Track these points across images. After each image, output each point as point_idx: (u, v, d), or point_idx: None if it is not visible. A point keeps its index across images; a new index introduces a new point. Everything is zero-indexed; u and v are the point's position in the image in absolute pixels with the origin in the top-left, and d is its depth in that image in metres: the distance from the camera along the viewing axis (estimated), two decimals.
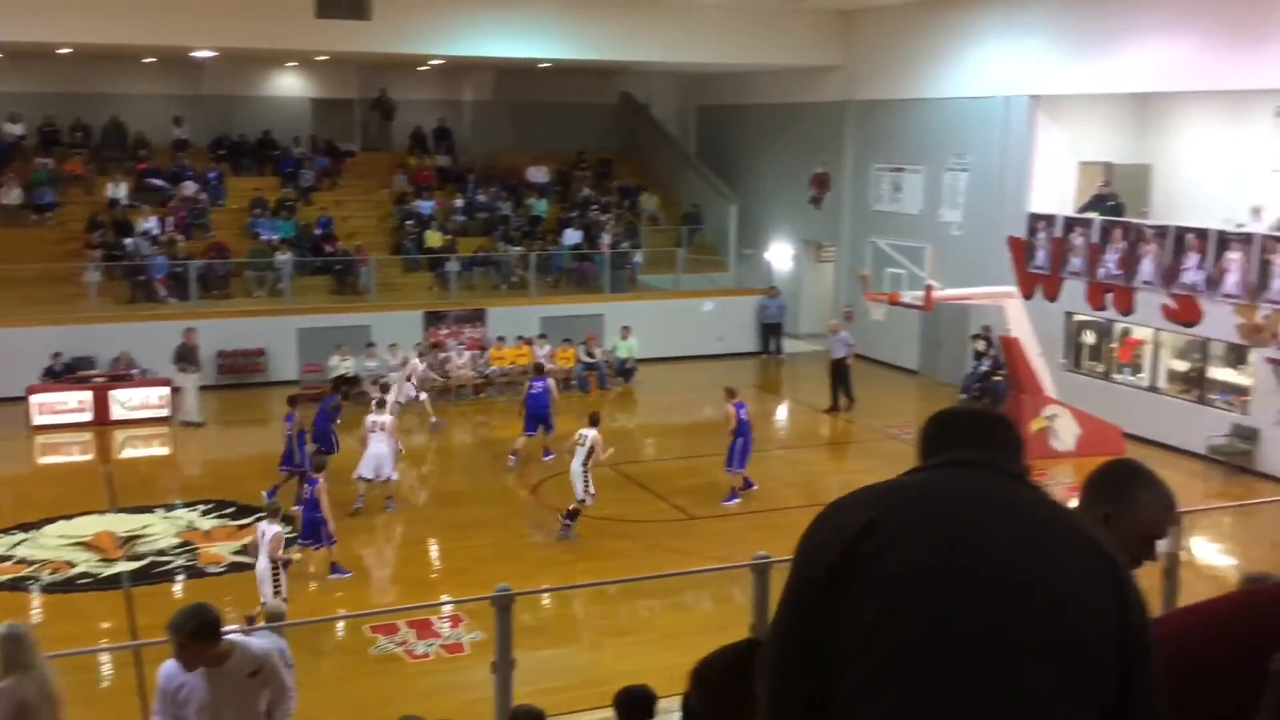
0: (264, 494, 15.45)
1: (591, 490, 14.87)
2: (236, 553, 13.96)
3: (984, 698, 1.93)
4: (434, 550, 15.00)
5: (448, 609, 12.34)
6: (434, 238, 26.18)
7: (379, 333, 22.77)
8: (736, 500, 16.28)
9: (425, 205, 27.08)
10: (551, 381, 19.01)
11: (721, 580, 12.32)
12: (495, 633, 6.21)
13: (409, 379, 20.19)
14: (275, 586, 11.59)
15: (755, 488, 16.46)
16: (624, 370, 23.98)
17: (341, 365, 22.16)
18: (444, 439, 20.31)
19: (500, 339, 23.53)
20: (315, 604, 12.45)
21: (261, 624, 9.15)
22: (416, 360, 20.98)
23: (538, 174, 29.18)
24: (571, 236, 27.05)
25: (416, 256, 25.91)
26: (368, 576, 13.94)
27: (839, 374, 21.41)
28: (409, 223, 26.52)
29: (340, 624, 12.34)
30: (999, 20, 21.38)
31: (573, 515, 14.79)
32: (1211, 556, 13.96)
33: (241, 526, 15.04)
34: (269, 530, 11.78)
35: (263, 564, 11.70)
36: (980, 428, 2.29)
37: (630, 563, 13.89)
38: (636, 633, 11.89)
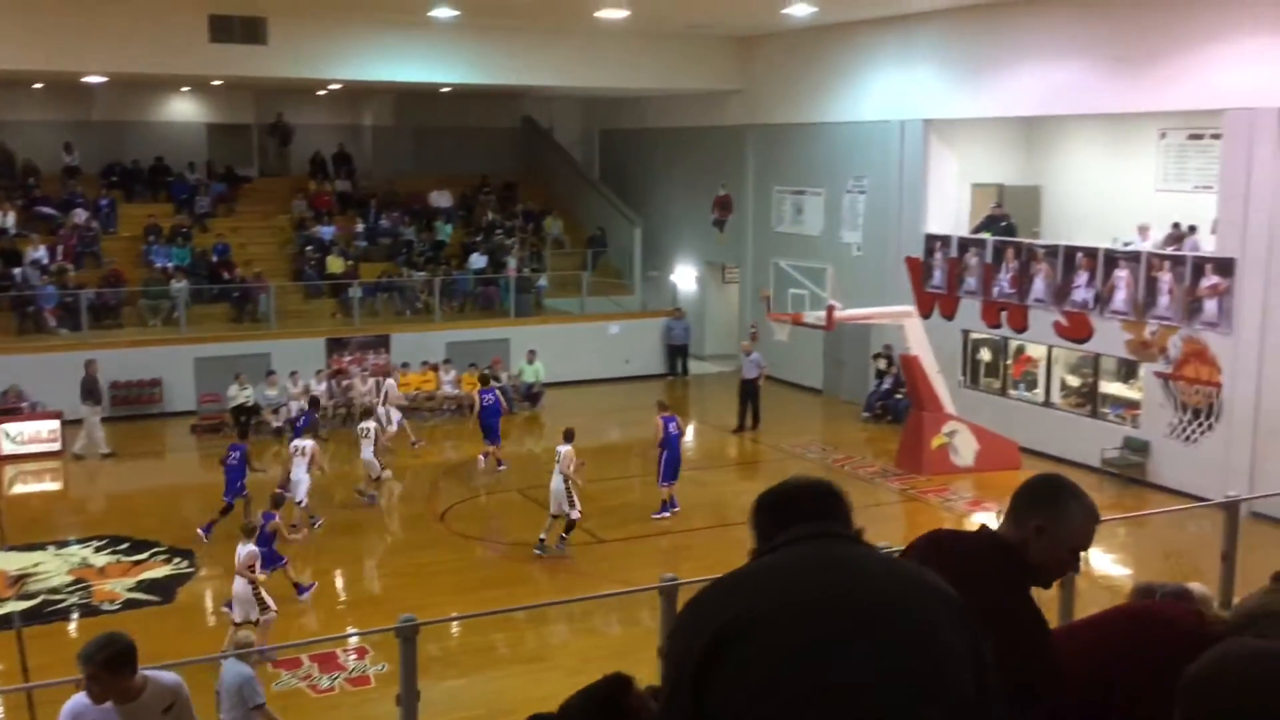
0: (199, 531, 15.49)
1: (577, 505, 14.94)
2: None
3: None
4: (339, 581, 14.75)
5: (353, 641, 12.13)
6: (335, 263, 25.85)
7: (279, 361, 22.38)
8: (667, 515, 16.38)
9: (326, 231, 26.74)
10: (499, 392, 19.60)
11: (629, 603, 12.31)
12: (400, 664, 6.12)
13: (383, 403, 20.18)
14: (261, 603, 11.75)
15: (678, 509, 16.53)
16: (530, 395, 23.90)
17: (241, 394, 21.72)
18: (349, 466, 20.00)
19: (404, 365, 23.29)
20: (214, 639, 12.15)
21: (230, 650, 9.19)
22: (391, 381, 21.15)
23: (441, 198, 29.02)
24: (476, 261, 26.92)
25: (318, 283, 25.55)
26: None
27: (749, 394, 21.60)
28: (309, 248, 26.16)
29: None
30: (893, 47, 21.85)
31: (569, 528, 14.97)
32: (1107, 567, 14.33)
33: (137, 562, 14.64)
34: (241, 550, 11.91)
35: (239, 586, 11.79)
36: (811, 501, 2.39)
37: (538, 588, 13.81)
38: (545, 659, 11.81)
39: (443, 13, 20.31)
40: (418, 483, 18.64)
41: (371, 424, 17.69)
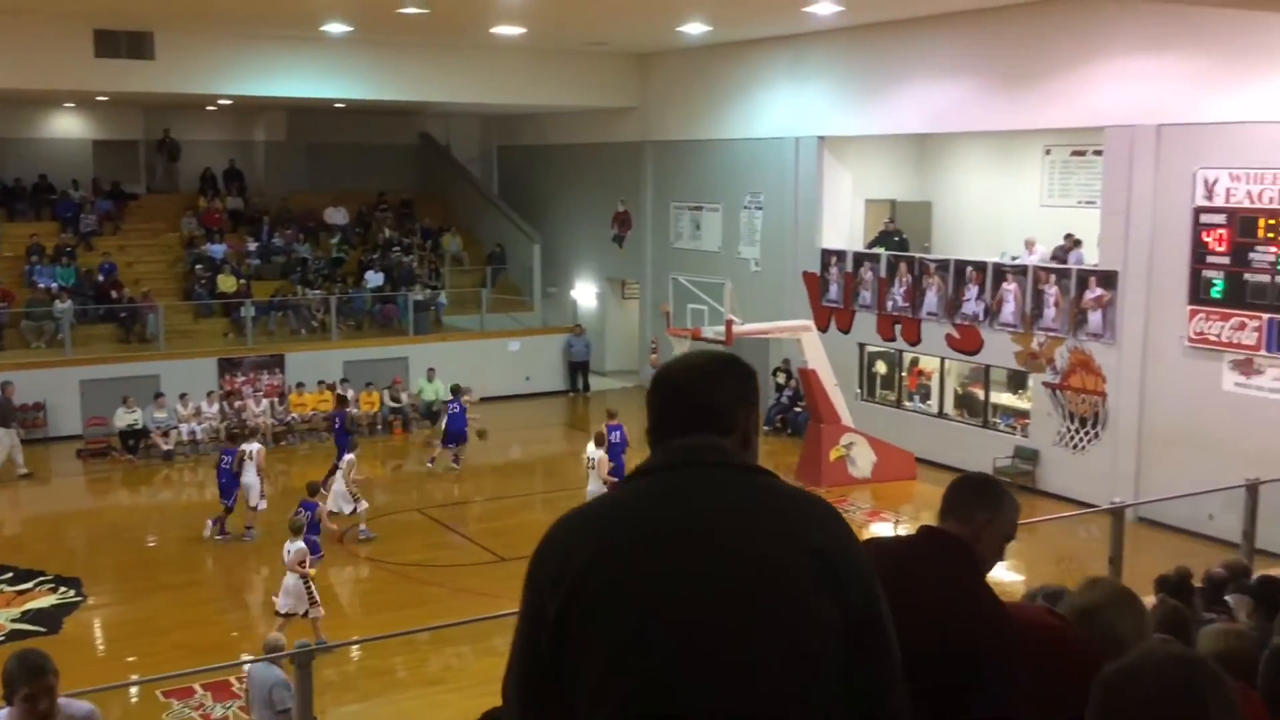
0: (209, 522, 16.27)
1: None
2: None
3: (700, 684, 2.03)
4: (233, 608, 14.39)
5: (247, 668, 11.83)
6: (227, 282, 25.30)
7: (168, 382, 21.83)
8: None
9: (216, 249, 26.17)
10: (466, 400, 20.14)
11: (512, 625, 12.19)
12: (295, 691, 6.00)
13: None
14: (311, 598, 12.24)
15: None
16: (431, 413, 23.65)
17: (129, 417, 21.15)
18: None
19: (300, 385, 22.88)
20: (103, 670, 11.76)
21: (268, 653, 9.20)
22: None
23: (336, 215, 28.61)
24: (373, 279, 26.59)
25: (208, 302, 24.99)
26: (161, 637, 13.25)
27: None
28: (199, 267, 25.57)
29: (133, 689, 11.69)
30: (786, 65, 22.16)
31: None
32: (1000, 573, 14.61)
33: (21, 592, 14.14)
34: (291, 547, 12.45)
35: (290, 580, 12.28)
36: (687, 406, 2.30)
37: (439, 609, 13.63)
38: (447, 681, 11.67)
39: (336, 28, 20.08)
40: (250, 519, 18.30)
41: (255, 445, 16.84)
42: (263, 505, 16.45)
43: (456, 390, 20.71)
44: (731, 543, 2.11)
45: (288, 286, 26.03)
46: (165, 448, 21.19)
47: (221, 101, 26.81)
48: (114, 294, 24.25)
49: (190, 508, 19.00)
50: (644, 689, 2.04)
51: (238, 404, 22.18)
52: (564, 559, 2.16)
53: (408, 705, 11.28)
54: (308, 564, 12.47)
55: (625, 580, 2.09)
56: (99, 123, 28.62)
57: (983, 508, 3.12)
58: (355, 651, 12.30)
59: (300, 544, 12.52)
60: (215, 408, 21.90)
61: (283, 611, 12.27)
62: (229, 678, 11.54)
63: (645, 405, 2.36)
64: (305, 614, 12.25)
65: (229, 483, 16.39)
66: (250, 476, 16.31)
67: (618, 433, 17.01)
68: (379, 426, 23.07)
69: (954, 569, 2.93)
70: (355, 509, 16.36)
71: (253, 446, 16.66)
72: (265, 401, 22.44)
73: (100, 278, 24.52)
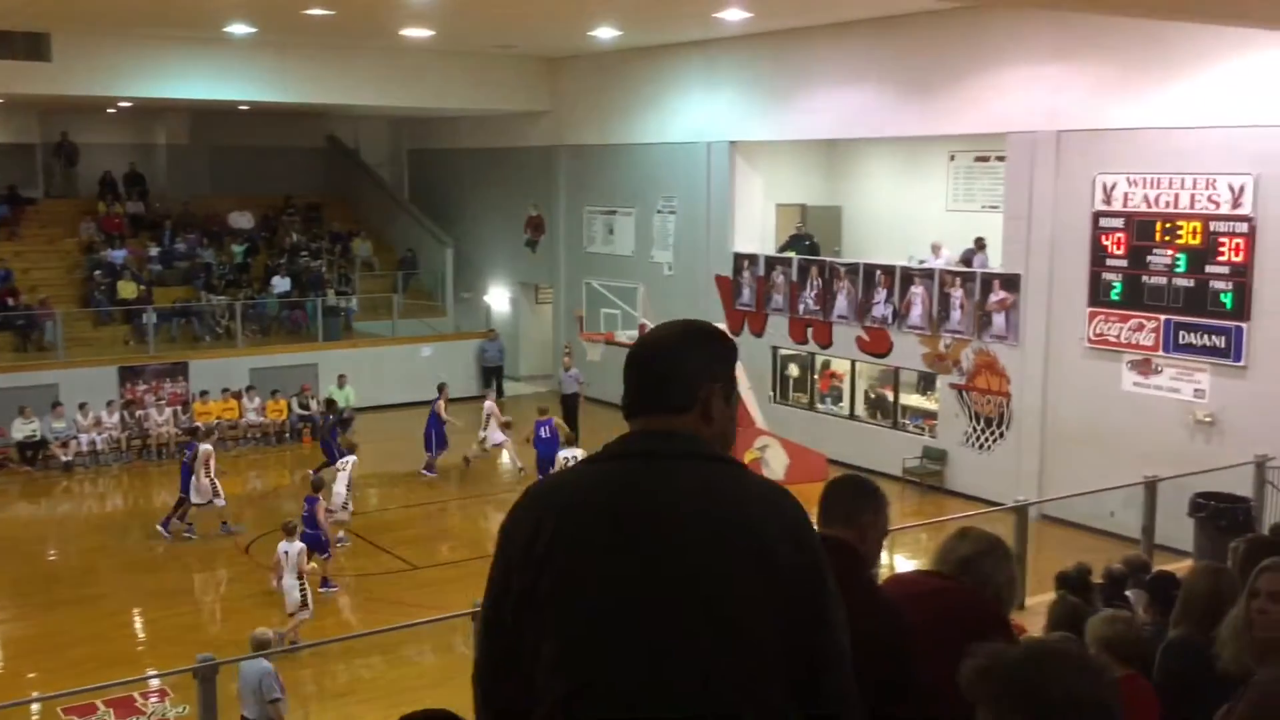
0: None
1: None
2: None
3: (625, 652, 2.14)
4: (137, 621, 14.04)
5: (154, 683, 11.54)
6: (128, 288, 24.67)
7: (67, 391, 21.21)
8: None
9: (117, 254, 25.51)
10: (441, 404, 19.99)
11: (443, 630, 12.09)
12: (199, 706, 5.86)
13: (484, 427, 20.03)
14: (303, 598, 12.52)
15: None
16: (342, 420, 23.28)
17: (26, 428, 20.53)
18: (145, 502, 19.13)
19: (204, 393, 22.39)
20: (2, 686, 11.38)
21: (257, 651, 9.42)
22: (490, 403, 20.82)
23: (241, 219, 28.07)
24: (280, 284, 26.13)
25: (108, 309, 24.34)
26: (62, 653, 12.86)
27: (570, 409, 21.64)
28: (99, 273, 24.89)
29: (34, 707, 11.33)
30: (696, 70, 22.28)
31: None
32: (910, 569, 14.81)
33: None
34: (292, 548, 12.63)
35: (289, 581, 12.52)
36: (650, 372, 2.35)
37: (349, 619, 13.44)
38: (356, 693, 11.50)
39: (239, 29, 19.70)
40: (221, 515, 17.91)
41: (206, 446, 16.92)
42: (218, 503, 16.71)
43: (442, 388, 20.65)
44: (679, 535, 2.17)
45: (191, 292, 25.47)
46: (65, 458, 20.62)
47: (121, 104, 26.16)
48: (10, 301, 23.53)
49: (91, 519, 18.53)
50: (592, 663, 2.15)
51: (139, 413, 21.63)
52: (532, 532, 2.25)
53: (319, 718, 11.08)
54: (304, 562, 12.73)
55: (583, 562, 2.19)
56: None
57: (866, 509, 3.20)
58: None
59: (298, 544, 12.73)
60: (116, 417, 21.35)
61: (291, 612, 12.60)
62: (133, 693, 11.25)
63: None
64: (291, 615, 12.47)
65: (187, 478, 16.72)
66: (198, 476, 16.53)
67: (546, 428, 17.68)
68: (287, 435, 22.67)
69: (846, 574, 2.95)
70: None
71: (204, 447, 16.81)
72: (168, 410, 21.92)
73: None
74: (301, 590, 12.61)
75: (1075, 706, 1.94)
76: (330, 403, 21.84)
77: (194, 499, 16.64)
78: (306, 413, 22.90)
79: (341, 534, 16.19)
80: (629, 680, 2.13)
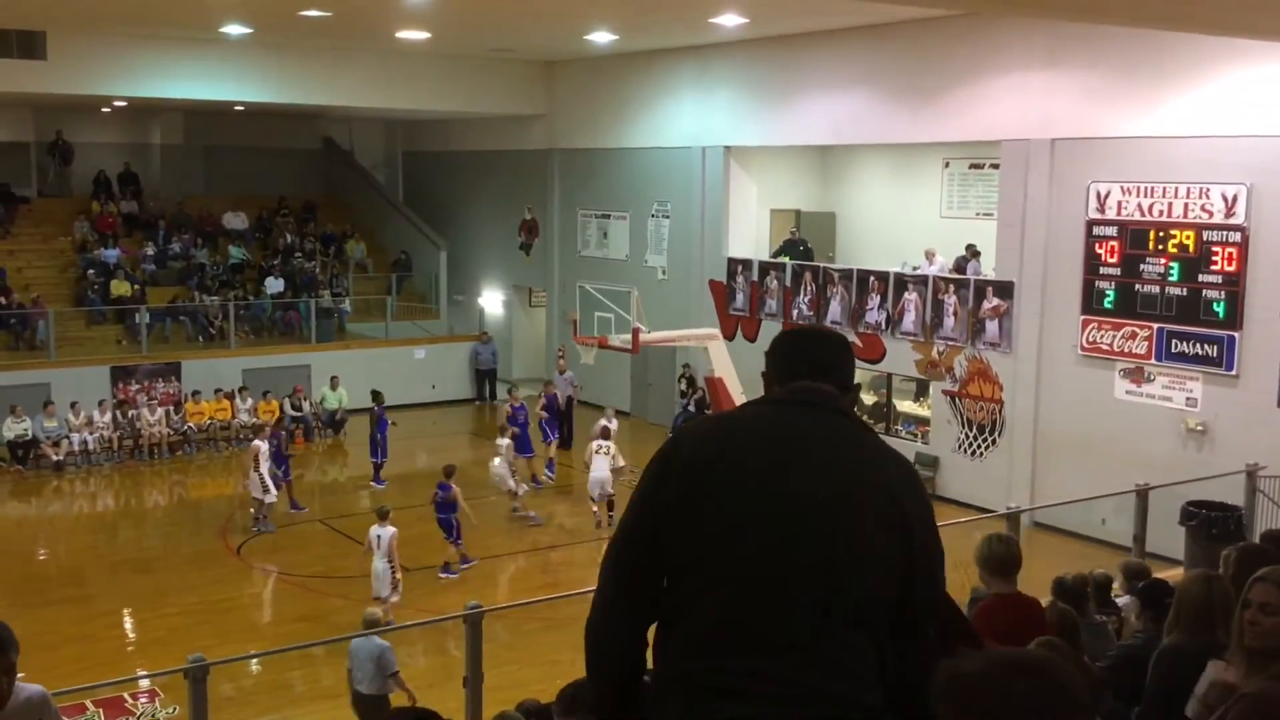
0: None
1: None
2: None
3: (778, 573, 2.42)
4: (128, 621, 14.00)
5: (143, 684, 11.51)
6: (121, 288, 24.62)
7: (59, 391, 21.17)
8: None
9: (110, 254, 25.45)
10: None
11: (434, 633, 12.09)
12: (189, 706, 5.84)
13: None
14: (394, 583, 12.86)
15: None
16: (334, 422, 23.29)
17: (17, 427, 20.48)
18: (136, 502, 19.09)
19: (196, 394, 22.34)
20: None
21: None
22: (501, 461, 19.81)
23: (235, 220, 28.02)
24: (274, 285, 26.09)
25: (101, 308, 24.29)
26: (51, 653, 12.81)
27: (564, 413, 21.63)
28: (92, 272, 24.84)
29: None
30: (692, 75, 22.30)
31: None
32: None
33: None
34: (384, 533, 12.89)
35: (380, 564, 12.82)
36: (809, 355, 2.73)
37: (339, 621, 13.39)
38: (345, 694, 11.44)
39: (235, 29, 19.68)
40: (214, 516, 17.90)
41: (260, 443, 17.22)
42: (269, 498, 16.94)
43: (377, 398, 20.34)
44: (825, 472, 2.50)
45: (184, 292, 25.43)
46: (56, 458, 20.57)
47: (116, 103, 26.13)
48: (3, 300, 23.47)
49: (82, 519, 18.48)
50: (738, 571, 2.43)
51: (131, 413, 21.59)
52: (695, 449, 2.56)
53: (308, 719, 11.06)
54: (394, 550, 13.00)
55: (743, 478, 2.49)
56: None
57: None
58: (254, 665, 12.03)
59: (391, 529, 12.99)
60: (108, 417, 21.30)
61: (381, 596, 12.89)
62: (123, 694, 11.21)
63: (769, 355, 2.76)
64: (383, 597, 12.71)
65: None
66: (251, 471, 16.88)
67: (524, 412, 18.79)
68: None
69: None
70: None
71: (255, 443, 17.17)
72: (160, 410, 21.87)
73: None
74: (393, 575, 12.95)
75: (1038, 713, 1.95)
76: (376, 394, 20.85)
77: (253, 493, 16.97)
78: (298, 413, 22.85)
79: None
80: (762, 593, 2.40)
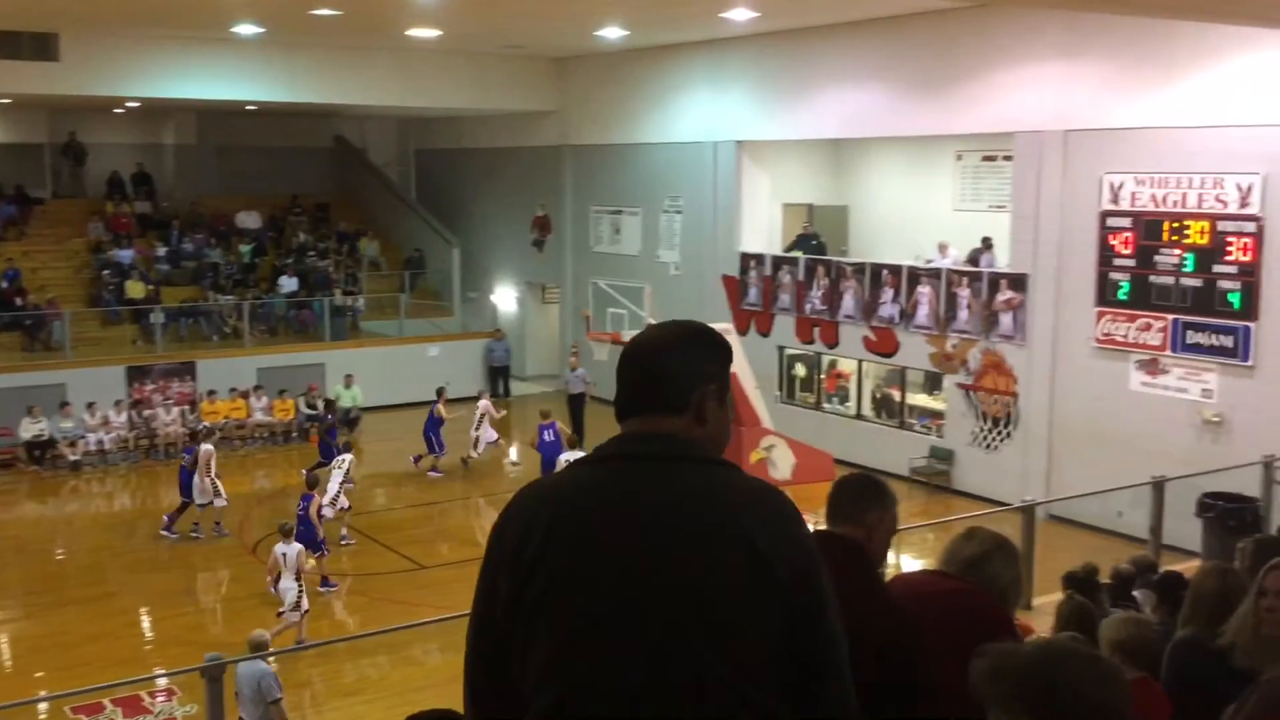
0: (164, 520, 16.71)
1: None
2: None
3: (623, 661, 2.12)
4: (145, 620, 14.07)
5: (160, 682, 11.57)
6: (135, 288, 24.72)
7: (75, 391, 21.27)
8: None
9: (125, 254, 25.56)
10: (440, 407, 19.94)
11: (450, 630, 12.07)
12: (206, 705, 5.87)
13: (477, 428, 20.18)
14: (298, 599, 12.55)
15: None
16: (349, 420, 23.34)
17: (34, 427, 20.59)
18: (153, 502, 19.17)
19: (211, 393, 22.43)
20: (10, 686, 11.41)
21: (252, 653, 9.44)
22: (486, 401, 20.85)
23: (249, 219, 28.11)
24: (288, 284, 26.16)
25: (116, 308, 24.39)
26: (70, 652, 12.90)
27: (576, 409, 21.68)
28: (107, 273, 24.94)
29: (42, 706, 11.36)
30: (704, 70, 22.27)
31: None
32: (914, 568, 14.79)
33: None
34: (290, 550, 12.73)
35: (286, 583, 12.61)
36: (641, 373, 2.33)
37: (356, 619, 13.46)
38: (364, 691, 11.52)
39: (247, 29, 19.72)
40: (229, 515, 17.94)
41: (207, 447, 16.98)
42: (219, 503, 16.76)
43: (440, 392, 20.49)
44: (671, 538, 2.15)
45: (198, 292, 25.53)
46: (72, 458, 20.68)
47: (129, 104, 26.21)
48: (18, 301, 23.59)
49: (98, 519, 18.56)
50: (583, 667, 2.13)
51: (147, 413, 21.68)
52: (523, 534, 2.22)
53: (326, 717, 11.10)
54: (305, 562, 12.92)
55: (574, 565, 2.17)
56: (1, 126, 27.82)
57: (873, 507, 3.21)
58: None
59: (296, 545, 12.86)
60: (124, 417, 21.39)
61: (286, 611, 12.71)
62: (140, 692, 11.27)
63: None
64: (280, 614, 12.52)
65: (186, 480, 16.83)
66: (199, 477, 16.62)
67: (550, 431, 17.75)
68: (294, 434, 22.70)
69: (852, 572, 2.95)
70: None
71: (205, 448, 16.90)
72: (176, 410, 21.97)
73: (4, 284, 23.84)
74: (299, 591, 12.62)
75: (1087, 707, 1.94)
76: (329, 402, 22.03)
77: (197, 499, 16.71)
78: (313, 412, 22.92)
79: (345, 532, 16.20)
80: (620, 683, 2.11)
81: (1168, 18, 13.30)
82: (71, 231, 26.30)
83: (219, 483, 16.80)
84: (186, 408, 22.20)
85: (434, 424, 19.89)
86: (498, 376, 26.39)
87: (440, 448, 19.85)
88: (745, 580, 2.13)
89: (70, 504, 19.50)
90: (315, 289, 26.20)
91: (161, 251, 26.33)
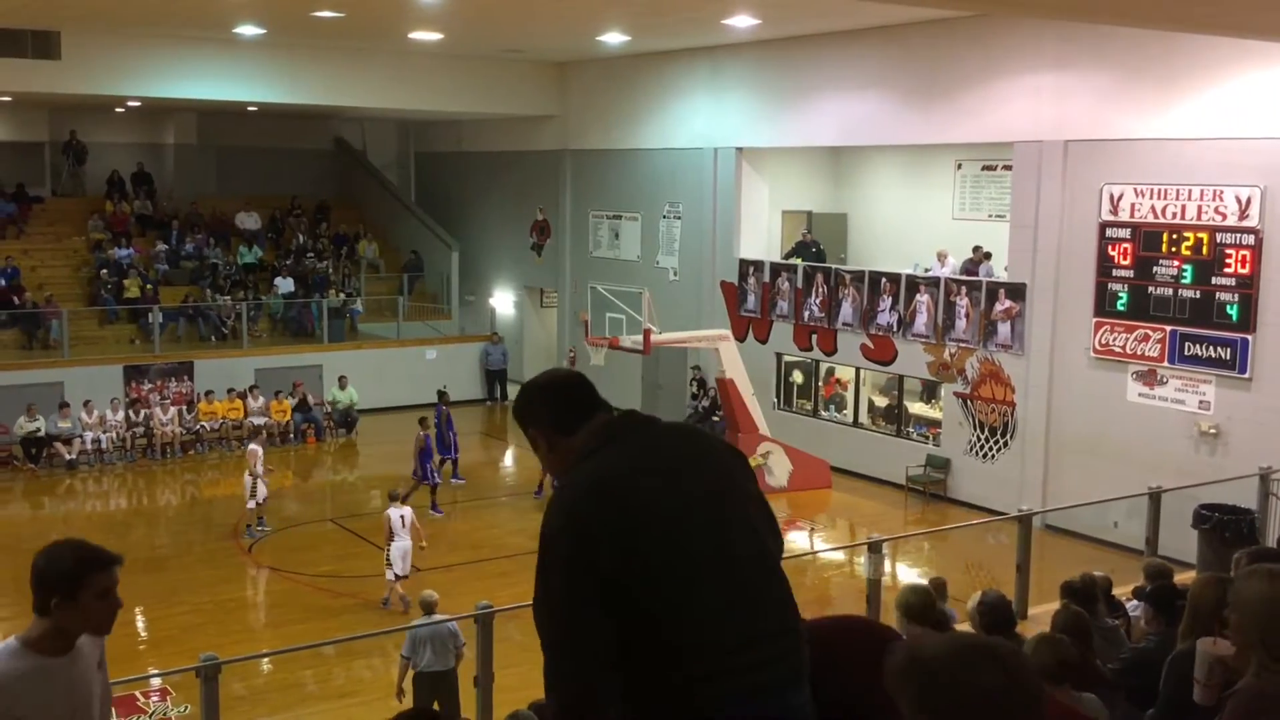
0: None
1: None
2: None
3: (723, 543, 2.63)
4: (139, 620, 14.03)
5: (155, 682, 11.55)
6: (134, 287, 24.71)
7: (73, 390, 21.25)
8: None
9: (124, 253, 25.54)
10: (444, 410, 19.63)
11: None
12: (201, 705, 5.86)
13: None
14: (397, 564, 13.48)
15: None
16: (346, 421, 23.33)
17: (31, 425, 20.56)
18: (149, 501, 19.16)
19: (209, 393, 22.41)
20: None
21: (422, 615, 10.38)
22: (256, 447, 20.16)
23: (248, 220, 28.10)
24: (285, 285, 26.15)
25: (114, 308, 24.37)
26: None
27: None
28: (105, 272, 24.93)
29: None
30: (704, 76, 22.29)
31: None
32: (912, 580, 14.81)
33: None
34: (406, 513, 13.74)
35: (405, 544, 13.58)
36: (588, 388, 2.87)
37: (350, 621, 13.44)
38: (357, 693, 11.49)
39: (248, 30, 19.74)
40: (226, 515, 17.94)
41: (254, 447, 17.36)
42: (251, 503, 16.91)
43: (442, 396, 20.16)
44: (712, 471, 2.74)
45: (197, 292, 25.51)
46: (69, 457, 20.66)
47: (130, 103, 26.22)
48: (16, 299, 23.58)
49: (94, 518, 18.54)
50: (701, 578, 2.57)
51: (144, 412, 21.66)
52: (612, 527, 2.55)
53: (317, 719, 11.08)
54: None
55: (659, 510, 2.59)
56: (2, 124, 27.82)
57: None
58: (265, 664, 12.06)
59: (407, 509, 13.83)
60: (121, 416, 21.38)
61: (398, 574, 13.52)
62: (134, 692, 11.24)
63: (545, 407, 2.82)
64: (397, 577, 13.47)
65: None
66: (247, 476, 16.92)
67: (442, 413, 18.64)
68: (291, 435, 22.69)
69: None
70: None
71: (251, 447, 17.31)
72: (173, 410, 21.95)
73: (2, 282, 23.82)
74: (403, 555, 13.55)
75: (996, 699, 1.95)
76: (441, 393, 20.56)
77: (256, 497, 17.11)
78: (304, 411, 22.88)
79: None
80: (724, 566, 2.58)
81: (1167, 30, 13.32)
82: (71, 230, 26.30)
83: (260, 482, 16.85)
84: (183, 408, 22.19)
85: (428, 452, 18.21)
86: (495, 380, 26.41)
87: (429, 476, 18.12)
88: (746, 486, 2.79)
89: (66, 503, 19.47)
90: (313, 290, 26.19)
91: (160, 251, 26.31)
